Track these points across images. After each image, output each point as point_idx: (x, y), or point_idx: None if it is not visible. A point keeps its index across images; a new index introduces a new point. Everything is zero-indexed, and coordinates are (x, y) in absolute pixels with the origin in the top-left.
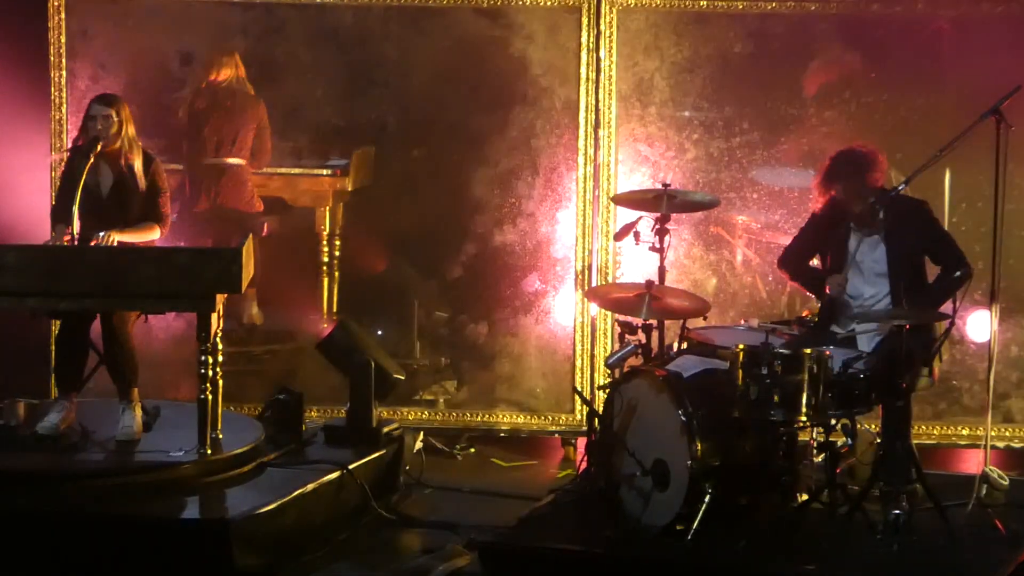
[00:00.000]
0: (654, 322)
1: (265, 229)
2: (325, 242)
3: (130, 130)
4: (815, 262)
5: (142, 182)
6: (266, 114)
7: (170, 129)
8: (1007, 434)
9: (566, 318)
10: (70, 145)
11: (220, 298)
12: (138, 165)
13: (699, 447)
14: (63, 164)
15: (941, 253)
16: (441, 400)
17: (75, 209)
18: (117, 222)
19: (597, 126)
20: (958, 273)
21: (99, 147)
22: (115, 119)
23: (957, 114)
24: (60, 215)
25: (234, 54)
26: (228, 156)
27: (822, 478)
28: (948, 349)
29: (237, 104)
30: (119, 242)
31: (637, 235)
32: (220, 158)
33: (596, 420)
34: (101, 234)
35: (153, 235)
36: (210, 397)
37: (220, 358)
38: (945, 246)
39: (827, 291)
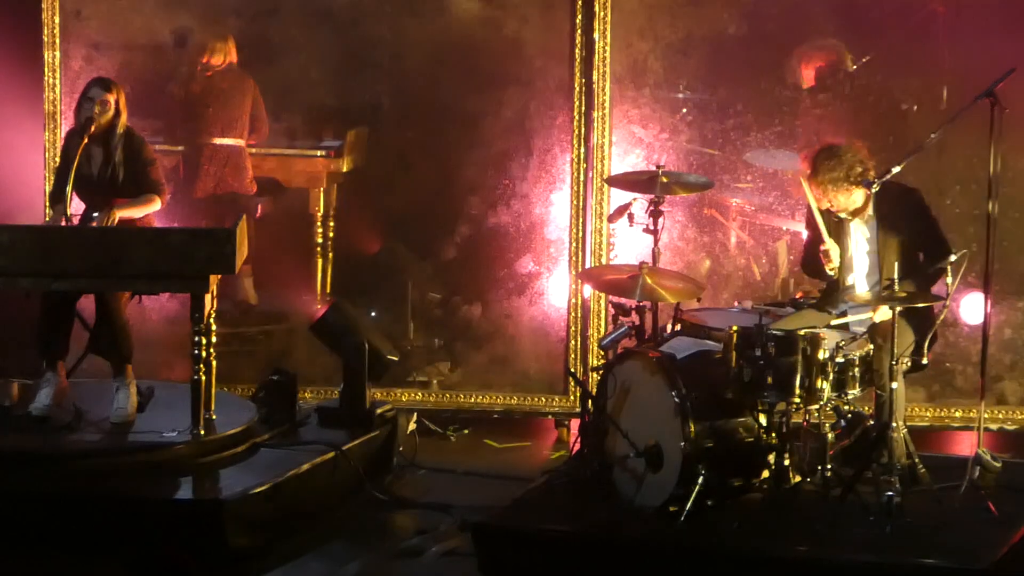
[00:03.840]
0: (648, 304)
1: (259, 210)
2: (319, 223)
3: (124, 118)
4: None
5: (125, 159)
6: (257, 89)
7: (164, 110)
8: (1000, 416)
9: (560, 299)
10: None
11: (214, 279)
12: (123, 146)
13: (692, 429)
14: (59, 148)
15: (927, 241)
16: (435, 381)
17: (68, 190)
18: (110, 202)
19: (591, 108)
20: (953, 257)
21: (92, 128)
22: (112, 106)
23: (951, 96)
24: (57, 196)
25: (228, 38)
26: (231, 137)
27: (815, 460)
28: (942, 332)
29: (233, 86)
30: (122, 219)
31: (631, 217)
32: (225, 139)
33: (589, 402)
34: (95, 214)
35: (155, 206)
36: (204, 378)
37: (214, 339)
38: (932, 234)
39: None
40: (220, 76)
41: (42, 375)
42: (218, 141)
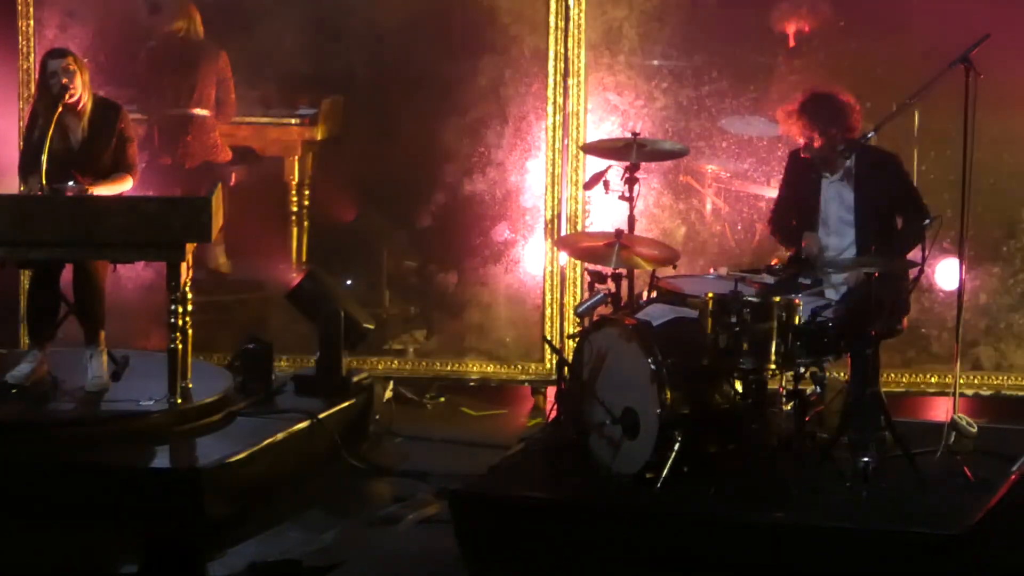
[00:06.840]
0: (624, 271)
1: (233, 179)
2: (294, 192)
3: (86, 78)
4: None
5: (101, 129)
6: (228, 65)
7: (138, 79)
8: (975, 382)
9: (536, 267)
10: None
11: (189, 247)
12: (89, 114)
13: (668, 395)
14: (27, 120)
15: (906, 206)
16: (411, 349)
17: (43, 159)
18: (89, 174)
19: (566, 75)
20: (927, 221)
21: (66, 97)
22: (74, 66)
23: (926, 62)
24: (28, 169)
25: (189, 5)
26: (190, 107)
27: (791, 426)
28: (917, 298)
29: (195, 56)
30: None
31: (607, 184)
32: (183, 109)
33: (566, 369)
34: (71, 184)
35: (126, 185)
36: (180, 346)
37: (190, 307)
38: (911, 200)
39: (803, 245)
40: (182, 44)
41: (27, 350)
42: (180, 109)
